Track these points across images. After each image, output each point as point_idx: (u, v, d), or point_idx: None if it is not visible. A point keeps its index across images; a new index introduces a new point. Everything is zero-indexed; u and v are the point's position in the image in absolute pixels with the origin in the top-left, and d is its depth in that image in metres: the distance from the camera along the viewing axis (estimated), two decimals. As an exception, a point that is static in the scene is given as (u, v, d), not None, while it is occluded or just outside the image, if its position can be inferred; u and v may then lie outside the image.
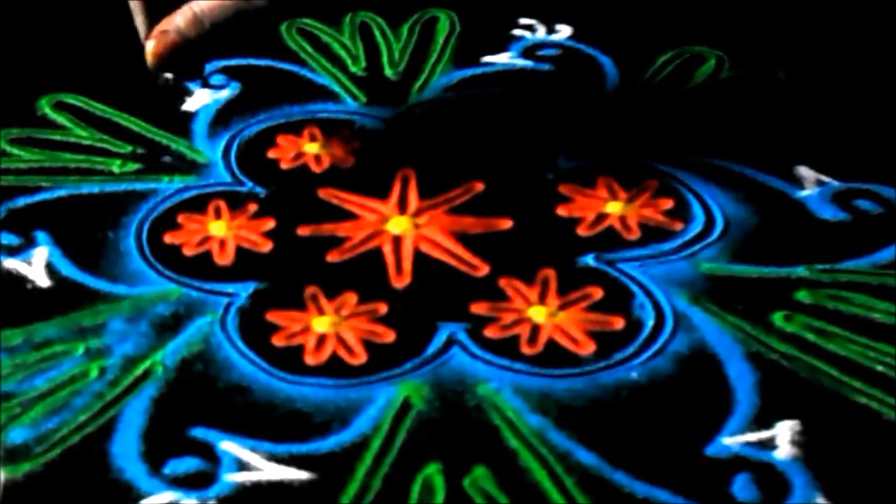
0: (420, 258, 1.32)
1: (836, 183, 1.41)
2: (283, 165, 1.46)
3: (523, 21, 1.72)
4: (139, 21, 1.29)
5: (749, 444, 1.10)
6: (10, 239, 1.34)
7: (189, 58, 1.28)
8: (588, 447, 1.10)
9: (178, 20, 1.26)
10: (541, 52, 1.66)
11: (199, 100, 1.56)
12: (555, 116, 1.53)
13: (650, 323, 1.23)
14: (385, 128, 1.52)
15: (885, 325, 1.22)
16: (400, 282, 1.29)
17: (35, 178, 1.42)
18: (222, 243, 1.34)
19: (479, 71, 1.62)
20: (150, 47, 1.28)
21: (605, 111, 1.54)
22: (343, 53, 1.66)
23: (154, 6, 1.30)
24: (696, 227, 1.36)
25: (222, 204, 1.39)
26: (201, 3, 1.25)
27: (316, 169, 1.46)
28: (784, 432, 1.11)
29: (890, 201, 1.38)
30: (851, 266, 1.29)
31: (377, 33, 1.69)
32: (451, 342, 1.21)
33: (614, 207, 1.38)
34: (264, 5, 1.21)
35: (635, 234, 1.35)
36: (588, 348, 1.20)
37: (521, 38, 1.69)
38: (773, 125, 1.51)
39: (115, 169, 1.44)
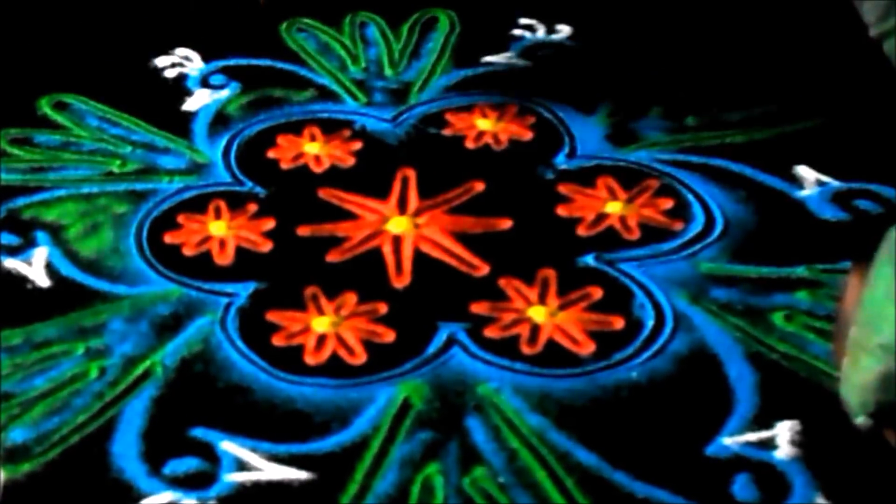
0: (420, 258, 1.32)
1: (836, 183, 1.41)
2: (283, 165, 1.46)
3: (523, 21, 1.72)
4: None
5: (749, 444, 1.10)
6: (10, 239, 1.34)
7: None
8: (588, 447, 1.10)
9: None
10: (541, 52, 1.66)
11: (199, 100, 1.56)
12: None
13: (650, 323, 1.23)
14: (385, 128, 1.52)
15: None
16: (400, 282, 1.29)
17: (35, 177, 1.43)
18: (222, 243, 1.34)
19: (479, 71, 1.62)
20: None
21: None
22: (343, 53, 1.66)
23: None
24: (696, 227, 1.36)
25: (222, 204, 1.39)
26: None
27: (316, 169, 1.46)
28: (784, 432, 1.11)
29: (890, 201, 1.38)
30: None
31: (377, 33, 1.69)
32: (451, 342, 1.21)
33: (614, 207, 1.38)
34: None
35: (635, 234, 1.35)
36: (588, 348, 1.20)
37: (521, 38, 1.69)
38: (774, 123, 1.51)
39: (115, 169, 1.44)
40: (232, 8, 1.74)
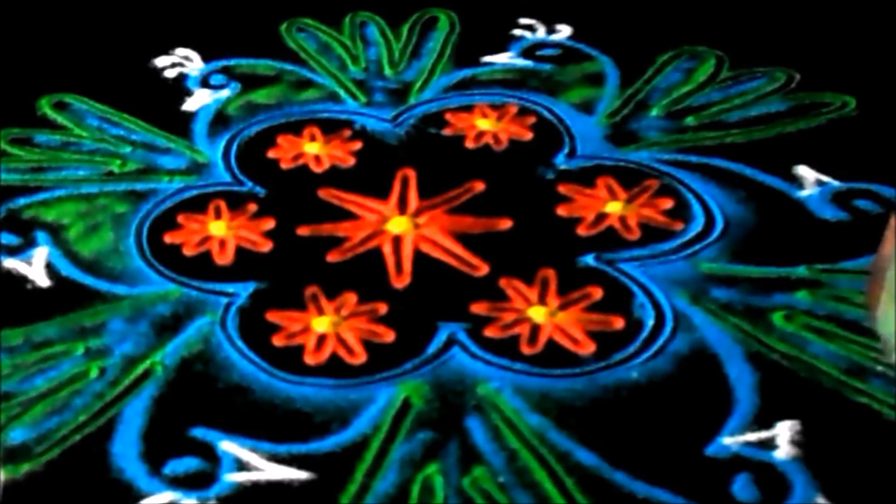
0: (420, 258, 1.32)
1: (836, 183, 1.41)
2: (283, 165, 1.46)
3: (523, 21, 1.72)
4: None
5: (749, 444, 1.10)
6: (10, 239, 1.34)
7: None
8: (588, 447, 1.10)
9: None
10: (541, 52, 1.66)
11: (199, 100, 1.56)
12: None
13: (650, 323, 1.23)
14: (385, 128, 1.52)
15: (885, 325, 1.22)
16: (400, 282, 1.29)
17: (35, 177, 1.43)
18: (222, 243, 1.34)
19: (479, 71, 1.62)
20: None
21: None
22: (343, 53, 1.66)
23: None
24: (696, 227, 1.36)
25: (222, 204, 1.40)
26: None
27: (316, 169, 1.46)
28: (784, 432, 1.11)
29: (890, 201, 1.38)
30: (851, 266, 1.29)
31: (377, 33, 1.69)
32: (451, 342, 1.21)
33: (614, 207, 1.38)
34: None
35: (635, 234, 1.35)
36: (588, 348, 1.20)
37: (521, 38, 1.69)
38: (774, 123, 1.51)
39: (115, 169, 1.45)
40: (232, 8, 1.75)
